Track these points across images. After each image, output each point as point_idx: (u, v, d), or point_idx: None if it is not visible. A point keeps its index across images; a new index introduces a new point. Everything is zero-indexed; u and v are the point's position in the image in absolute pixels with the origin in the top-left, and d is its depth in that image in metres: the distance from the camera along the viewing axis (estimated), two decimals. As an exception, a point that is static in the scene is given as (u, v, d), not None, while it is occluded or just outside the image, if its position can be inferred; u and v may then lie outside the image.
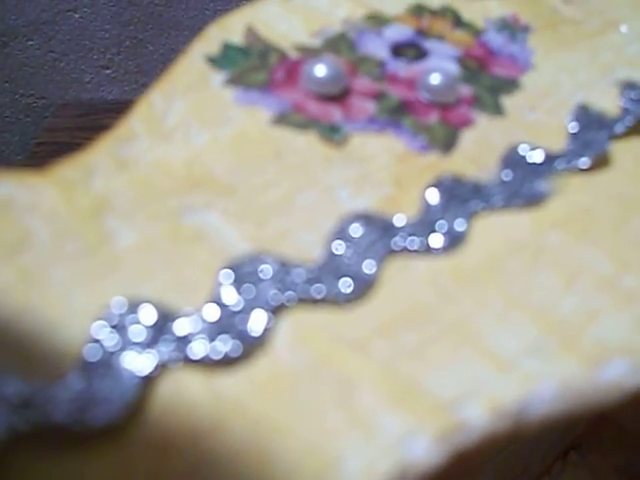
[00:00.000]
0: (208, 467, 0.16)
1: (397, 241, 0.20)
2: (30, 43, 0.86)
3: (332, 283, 0.19)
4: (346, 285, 0.19)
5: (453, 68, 0.26)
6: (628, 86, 0.25)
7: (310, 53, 0.25)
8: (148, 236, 0.20)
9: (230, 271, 0.19)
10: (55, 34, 0.85)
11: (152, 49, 0.86)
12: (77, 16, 0.84)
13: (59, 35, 0.85)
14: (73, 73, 0.88)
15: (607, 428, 0.33)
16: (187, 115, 0.23)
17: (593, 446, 0.34)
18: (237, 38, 0.25)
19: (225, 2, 0.82)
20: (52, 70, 0.88)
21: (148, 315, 0.18)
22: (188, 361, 0.17)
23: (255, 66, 0.24)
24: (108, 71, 0.88)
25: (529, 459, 0.32)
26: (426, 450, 0.16)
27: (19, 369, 0.17)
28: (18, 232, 0.19)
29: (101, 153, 0.21)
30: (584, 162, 0.23)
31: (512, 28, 0.27)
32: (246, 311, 0.18)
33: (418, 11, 0.27)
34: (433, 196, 0.22)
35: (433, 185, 0.22)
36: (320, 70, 0.24)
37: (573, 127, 0.24)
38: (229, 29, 0.25)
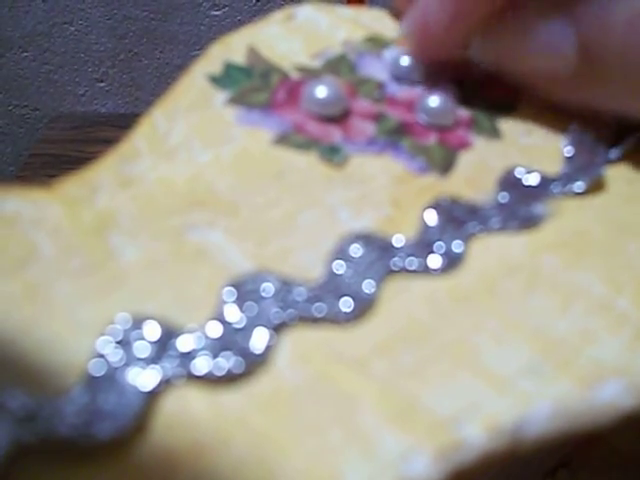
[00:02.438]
0: (211, 482, 0.16)
1: (396, 261, 0.21)
2: (25, 55, 0.86)
3: (332, 302, 0.19)
4: (346, 305, 0.19)
5: (451, 91, 0.26)
6: None
7: (311, 74, 0.26)
8: (152, 253, 0.20)
9: (233, 289, 0.19)
10: (50, 46, 0.86)
11: (147, 63, 0.86)
12: (72, 29, 0.84)
13: (54, 47, 0.86)
14: (67, 85, 0.88)
15: (597, 447, 0.33)
16: (190, 134, 0.23)
17: (583, 464, 0.34)
18: (239, 58, 0.26)
19: (220, 17, 0.82)
20: (46, 82, 0.88)
21: (152, 331, 0.18)
22: (191, 377, 0.18)
23: (257, 86, 0.25)
24: (102, 84, 0.88)
25: (519, 476, 0.32)
26: (425, 468, 0.17)
27: (24, 383, 0.17)
28: (23, 247, 0.20)
29: (105, 171, 0.22)
30: (579, 186, 0.23)
31: (509, 52, 0.28)
32: (248, 328, 0.19)
33: (417, 34, 0.28)
34: (431, 217, 0.22)
35: (431, 206, 0.22)
36: (321, 91, 0.24)
37: (569, 151, 0.25)
38: (231, 49, 0.26)
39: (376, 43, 0.27)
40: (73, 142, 0.81)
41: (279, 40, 0.27)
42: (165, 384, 0.18)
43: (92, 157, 0.22)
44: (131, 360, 0.18)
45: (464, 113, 0.25)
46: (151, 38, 0.85)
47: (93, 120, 0.84)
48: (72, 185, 0.21)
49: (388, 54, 0.27)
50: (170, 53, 0.86)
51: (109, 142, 0.22)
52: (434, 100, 0.25)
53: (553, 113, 0.26)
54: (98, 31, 0.84)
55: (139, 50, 0.86)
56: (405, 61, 0.26)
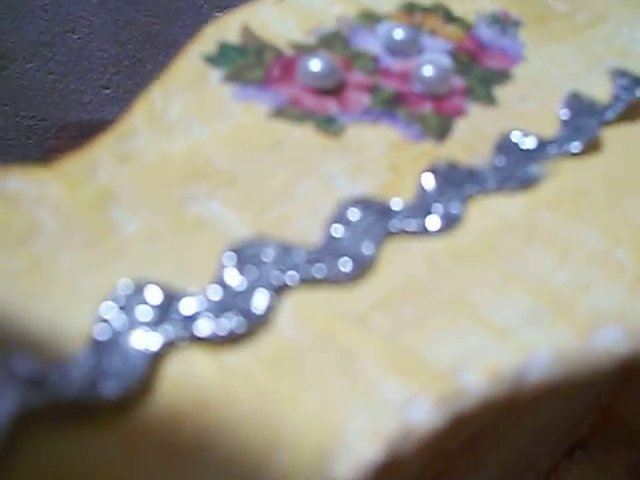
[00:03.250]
0: (217, 437, 0.16)
1: (394, 223, 0.21)
2: (29, 65, 0.87)
3: (332, 263, 0.20)
4: (346, 264, 0.20)
5: (446, 61, 0.26)
6: (619, 74, 0.26)
7: (305, 50, 0.26)
8: (152, 225, 0.20)
9: (233, 254, 0.20)
10: (54, 55, 0.86)
11: (150, 68, 0.86)
12: (75, 37, 0.84)
13: (58, 56, 0.86)
14: (73, 94, 0.89)
15: (613, 426, 0.33)
16: (187, 111, 0.23)
17: (599, 444, 0.34)
18: (233, 38, 0.26)
19: (221, 20, 0.83)
20: (52, 92, 0.89)
21: (154, 295, 0.18)
22: (195, 339, 0.18)
23: (251, 63, 0.25)
24: (107, 91, 0.88)
25: (534, 456, 0.32)
26: (427, 414, 0.17)
27: (32, 349, 0.17)
28: (27, 222, 0.20)
29: (104, 148, 0.22)
30: (576, 146, 0.23)
31: (502, 22, 0.28)
32: (249, 291, 0.19)
33: (410, 8, 0.28)
34: (429, 181, 0.22)
35: (428, 170, 0.22)
36: (315, 65, 0.24)
37: (565, 114, 0.25)
38: (225, 29, 0.26)
39: (369, 18, 0.27)
40: (81, 150, 0.81)
41: (273, 19, 0.27)
42: (169, 346, 0.18)
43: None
44: (134, 324, 0.18)
45: (459, 82, 0.26)
46: (154, 43, 0.85)
47: (100, 127, 0.84)
48: (72, 164, 0.22)
49: (381, 28, 0.27)
50: (173, 57, 0.86)
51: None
52: (429, 69, 0.25)
53: (548, 80, 0.26)
54: (101, 38, 0.85)
55: (142, 56, 0.86)
56: (398, 34, 0.26)
